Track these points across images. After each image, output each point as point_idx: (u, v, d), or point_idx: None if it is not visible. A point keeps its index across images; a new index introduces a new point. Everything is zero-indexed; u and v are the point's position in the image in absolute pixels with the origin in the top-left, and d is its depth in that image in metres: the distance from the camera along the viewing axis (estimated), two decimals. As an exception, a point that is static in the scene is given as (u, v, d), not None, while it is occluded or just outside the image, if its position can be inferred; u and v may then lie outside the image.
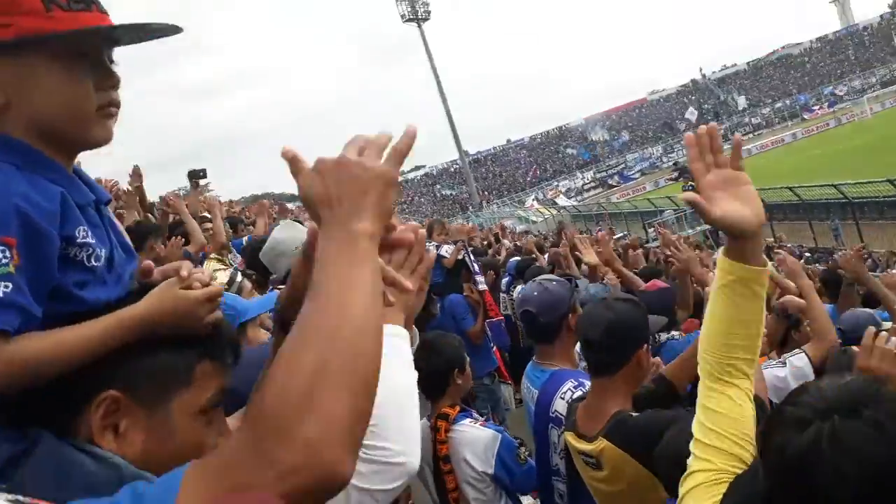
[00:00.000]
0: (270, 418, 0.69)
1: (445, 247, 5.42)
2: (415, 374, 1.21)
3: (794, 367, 2.65)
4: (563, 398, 2.44)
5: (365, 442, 1.15)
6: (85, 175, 1.10)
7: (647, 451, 1.78)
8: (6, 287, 0.89)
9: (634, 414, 2.02)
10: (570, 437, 2.17)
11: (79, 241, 0.99)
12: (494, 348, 5.35)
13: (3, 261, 0.88)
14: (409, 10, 56.44)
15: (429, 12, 57.43)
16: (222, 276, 2.68)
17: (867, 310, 3.77)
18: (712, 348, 1.36)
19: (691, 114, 64.75)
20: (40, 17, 0.94)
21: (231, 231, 6.16)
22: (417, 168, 74.10)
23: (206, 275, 1.09)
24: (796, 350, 2.79)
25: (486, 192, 62.31)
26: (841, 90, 62.38)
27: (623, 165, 61.40)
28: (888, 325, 3.17)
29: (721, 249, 1.36)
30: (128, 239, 1.18)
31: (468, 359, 2.91)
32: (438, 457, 2.68)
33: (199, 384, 0.99)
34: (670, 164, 48.03)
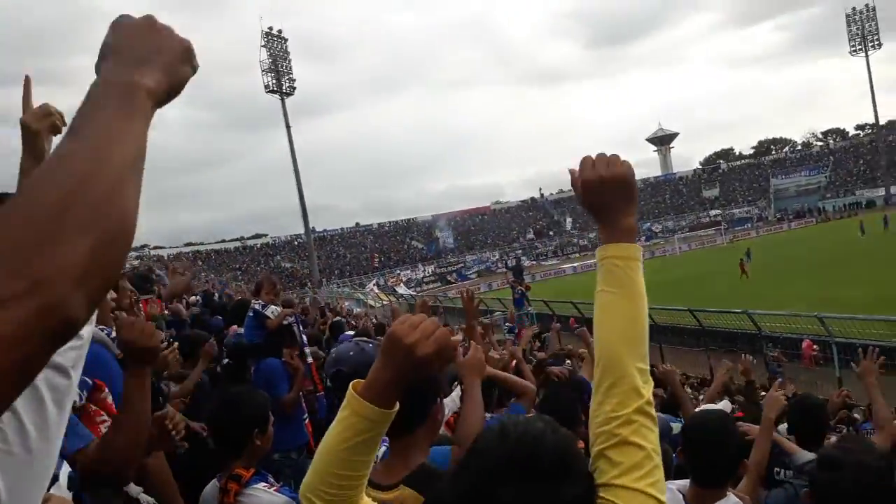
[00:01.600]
0: (5, 239, 0.62)
1: (272, 307, 5.20)
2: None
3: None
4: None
5: None
6: None
7: None
8: None
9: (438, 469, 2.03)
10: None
11: None
12: (307, 421, 5.10)
13: None
14: (274, 82, 56.47)
15: (293, 87, 57.79)
16: None
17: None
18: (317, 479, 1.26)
19: (528, 234, 70.27)
20: None
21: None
22: (258, 236, 72.07)
23: None
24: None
25: (327, 271, 61.68)
26: (657, 227, 70.78)
27: (462, 265, 64.15)
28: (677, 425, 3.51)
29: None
30: None
31: (272, 419, 2.74)
32: (224, 521, 2.43)
33: None
34: (503, 269, 50.89)
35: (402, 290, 48.56)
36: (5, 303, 0.59)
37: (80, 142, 0.71)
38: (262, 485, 2.50)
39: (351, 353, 2.67)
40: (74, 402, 2.10)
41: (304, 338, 5.14)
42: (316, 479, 1.22)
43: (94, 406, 2.18)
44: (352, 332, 7.44)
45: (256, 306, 5.18)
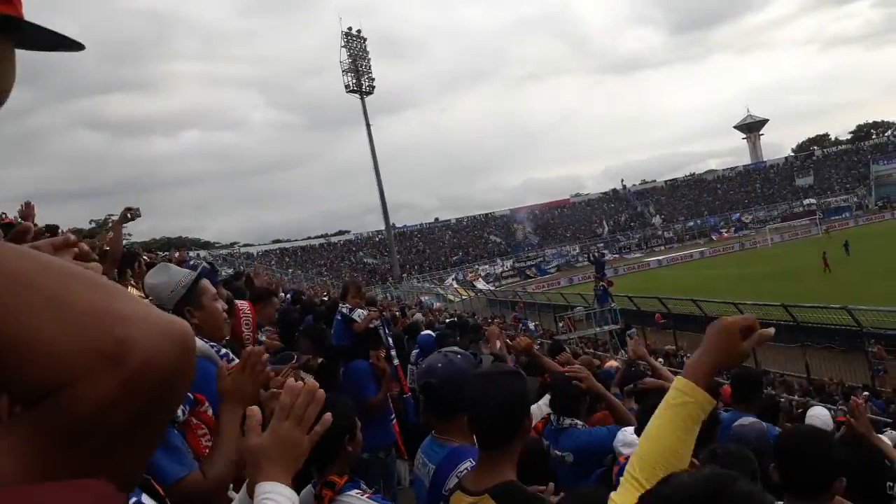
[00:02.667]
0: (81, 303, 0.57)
1: (359, 311, 5.29)
2: None
3: None
4: (458, 476, 2.34)
5: None
6: None
7: None
8: None
9: (525, 488, 2.04)
10: (457, 495, 2.13)
11: None
12: (394, 422, 5.17)
13: None
14: (354, 81, 57.68)
15: (373, 87, 58.86)
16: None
17: None
18: (645, 465, 1.33)
19: (602, 228, 68.84)
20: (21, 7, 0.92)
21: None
22: (342, 233, 73.86)
23: None
24: None
25: (407, 266, 62.53)
26: (746, 218, 67.71)
27: (541, 259, 63.44)
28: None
29: (685, 372, 1.41)
30: None
31: (359, 425, 2.78)
32: (320, 528, 2.48)
33: None
34: (585, 262, 49.98)
35: (480, 284, 48.60)
36: (107, 363, 0.56)
37: None
38: (355, 492, 2.54)
39: (440, 366, 2.67)
40: (177, 417, 2.19)
41: (390, 340, 5.21)
42: (649, 461, 1.33)
43: (196, 419, 2.26)
44: (429, 332, 7.49)
45: (344, 310, 5.29)
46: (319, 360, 3.60)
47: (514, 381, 2.13)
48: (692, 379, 1.35)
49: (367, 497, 2.54)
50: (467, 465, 2.40)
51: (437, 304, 37.13)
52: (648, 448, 1.36)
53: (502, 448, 2.06)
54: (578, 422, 3.60)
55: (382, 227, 64.51)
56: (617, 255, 59.92)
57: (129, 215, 4.28)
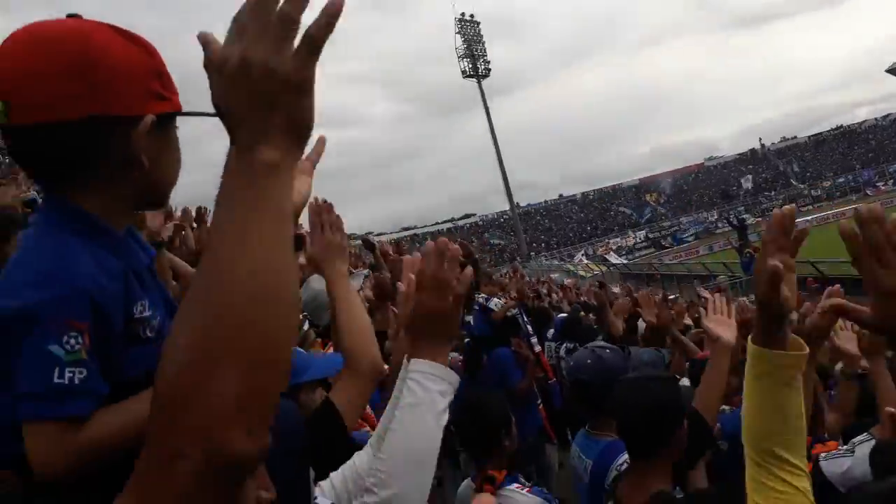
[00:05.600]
0: (156, 410, 0.62)
1: (494, 300, 5.36)
2: (443, 422, 1.18)
3: (861, 457, 2.44)
4: (618, 470, 2.33)
5: (370, 488, 1.12)
6: (137, 233, 1.12)
7: None
8: (80, 373, 0.89)
9: (679, 497, 1.98)
10: None
11: (136, 316, 1.01)
12: (540, 406, 5.20)
13: (76, 346, 0.88)
14: (470, 66, 57.81)
15: (489, 69, 58.72)
16: None
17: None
18: (754, 442, 1.27)
19: (747, 180, 63.87)
20: (176, 97, 1.04)
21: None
22: (468, 216, 74.67)
23: None
24: (865, 436, 2.59)
25: (534, 245, 62.13)
26: (897, 171, 60.60)
27: (676, 228, 60.49)
28: None
29: (750, 337, 1.26)
30: (170, 294, 1.18)
31: (514, 419, 2.82)
32: (483, 521, 2.56)
33: None
34: (725, 228, 47.09)
35: (613, 258, 47.21)
36: (173, 461, 0.60)
37: (206, 258, 0.65)
38: (515, 486, 2.59)
39: (589, 362, 2.66)
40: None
41: (529, 328, 5.22)
42: (777, 432, 1.24)
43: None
44: (564, 315, 7.40)
45: (480, 300, 5.37)
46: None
47: (665, 387, 2.07)
48: (758, 342, 1.20)
49: (527, 492, 2.59)
50: (625, 458, 2.38)
51: (567, 281, 36.59)
52: (749, 423, 1.28)
53: (653, 457, 2.01)
54: (725, 406, 3.43)
55: (507, 208, 64.46)
56: (760, 218, 55.84)
57: None
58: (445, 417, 1.20)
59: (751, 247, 24.22)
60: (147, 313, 1.03)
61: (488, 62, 58.82)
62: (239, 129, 0.65)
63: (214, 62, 0.64)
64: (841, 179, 62.54)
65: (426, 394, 1.17)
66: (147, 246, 1.12)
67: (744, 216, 44.32)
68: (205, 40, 0.66)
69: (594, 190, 74.23)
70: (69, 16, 0.99)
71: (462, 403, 3.14)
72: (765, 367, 1.19)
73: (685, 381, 3.63)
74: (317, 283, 2.95)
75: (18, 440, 0.89)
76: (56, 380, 0.87)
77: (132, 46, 0.98)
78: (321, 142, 1.35)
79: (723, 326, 2.42)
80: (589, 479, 2.51)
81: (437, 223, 76.70)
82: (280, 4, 0.62)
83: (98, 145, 0.94)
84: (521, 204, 70.20)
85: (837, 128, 74.14)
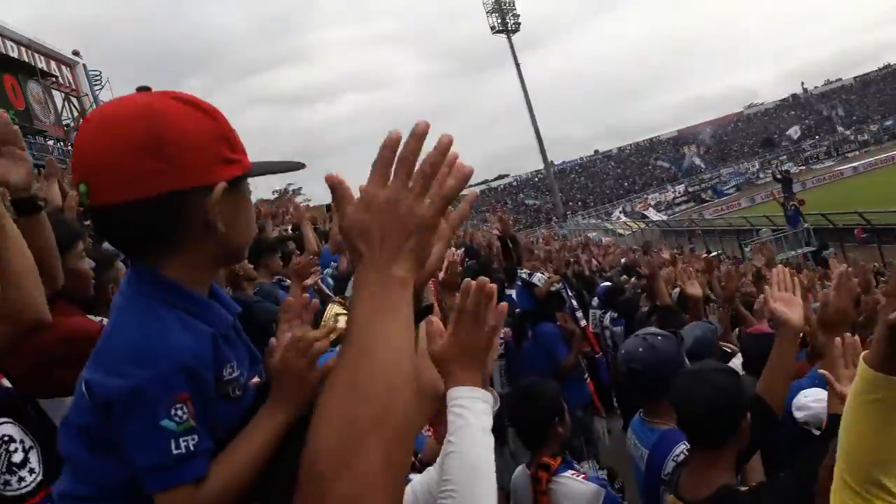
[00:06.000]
0: (309, 481, 0.74)
1: (538, 275, 5.36)
2: (492, 442, 1.22)
3: None
4: (675, 461, 2.35)
5: (443, 499, 1.19)
6: (220, 292, 1.16)
7: None
8: (193, 439, 0.97)
9: (742, 489, 1.94)
10: (673, 501, 2.11)
11: (226, 378, 1.07)
12: (588, 380, 5.23)
13: (185, 417, 0.96)
14: (499, 21, 56.61)
15: (518, 24, 57.40)
16: (343, 322, 2.72)
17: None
18: (855, 468, 1.22)
19: (795, 132, 61.70)
20: (245, 157, 1.07)
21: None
22: (501, 177, 74.11)
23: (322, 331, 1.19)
24: None
25: (570, 203, 61.47)
26: None
27: (717, 180, 59.02)
28: None
29: (862, 355, 1.21)
30: (251, 346, 1.22)
31: (566, 407, 2.85)
32: (540, 507, 2.63)
33: None
34: (767, 178, 45.73)
35: (651, 214, 46.44)
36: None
37: (350, 353, 0.78)
38: (570, 472, 2.64)
39: (641, 350, 2.65)
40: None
41: (574, 302, 5.23)
42: (886, 461, 1.20)
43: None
44: (607, 284, 7.36)
45: (523, 275, 5.38)
46: None
47: (727, 379, 2.05)
48: (877, 367, 1.15)
49: (583, 478, 2.64)
50: (682, 447, 2.39)
51: (605, 240, 36.20)
52: (853, 447, 1.22)
53: (716, 449, 2.00)
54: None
55: (541, 167, 63.69)
56: (803, 167, 54.00)
57: None
58: (490, 433, 1.26)
59: (795, 199, 23.55)
60: (235, 374, 1.08)
61: (518, 16, 57.50)
62: (379, 249, 0.81)
63: (362, 196, 0.81)
64: (889, 122, 59.83)
65: (472, 413, 1.23)
66: (230, 303, 1.16)
67: (787, 167, 42.97)
68: (336, 181, 0.83)
69: (631, 144, 72.79)
70: (139, 89, 1.02)
71: (516, 391, 3.19)
72: (882, 393, 1.15)
73: (738, 359, 3.58)
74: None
75: (127, 497, 0.99)
76: (174, 451, 0.95)
77: (198, 114, 1.01)
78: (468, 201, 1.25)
79: (790, 306, 2.26)
80: (645, 468, 2.54)
81: (470, 185, 76.21)
82: (422, 160, 0.82)
83: (176, 217, 0.99)
84: (556, 162, 69.23)
85: (885, 67, 70.61)
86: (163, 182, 0.95)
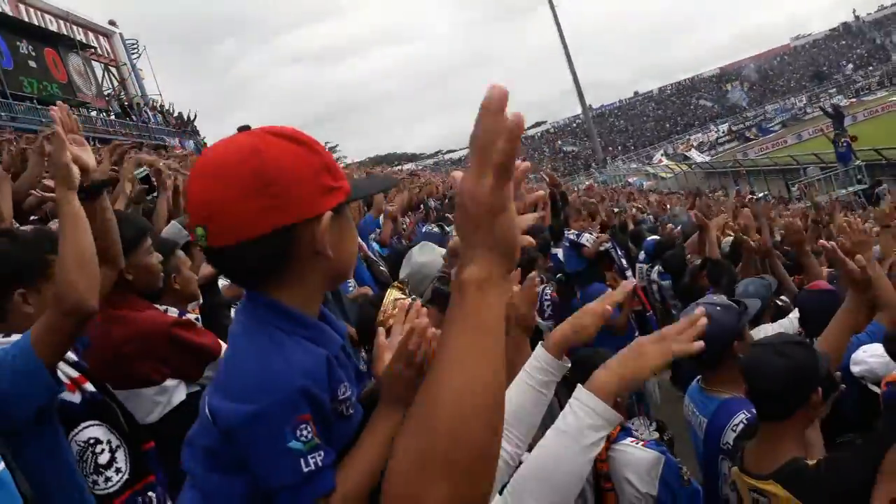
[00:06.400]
0: (385, 499, 0.76)
1: (586, 235, 5.30)
2: (590, 456, 1.27)
3: None
4: (734, 430, 2.36)
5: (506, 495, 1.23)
6: (328, 314, 1.19)
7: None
8: (320, 456, 1.04)
9: (810, 462, 1.93)
10: (738, 474, 2.13)
11: (340, 398, 1.12)
12: (638, 336, 5.23)
13: (309, 436, 1.03)
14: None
15: (552, -38, 55.41)
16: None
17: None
18: None
19: (848, 69, 58.84)
20: (345, 182, 1.10)
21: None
22: (538, 124, 72.92)
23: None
24: None
25: (610, 148, 60.25)
26: None
27: (762, 117, 56.83)
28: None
29: None
30: (357, 364, 1.28)
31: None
32: (599, 474, 2.69)
33: None
34: (815, 113, 43.81)
35: (694, 155, 45.19)
36: None
37: (427, 378, 0.77)
38: (629, 440, 2.68)
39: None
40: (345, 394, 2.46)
41: (623, 261, 5.19)
42: None
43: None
44: (655, 238, 7.27)
45: (571, 236, 5.34)
46: None
47: (802, 351, 2.03)
48: None
49: (642, 445, 2.68)
50: (741, 417, 2.40)
51: (646, 184, 35.47)
52: None
53: (785, 420, 1.99)
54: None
55: (579, 111, 62.43)
56: (854, 99, 51.49)
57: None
58: (595, 452, 1.28)
59: (847, 135, 22.60)
60: (347, 393, 1.13)
61: (552, -44, 55.50)
62: (462, 253, 0.76)
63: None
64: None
65: (577, 423, 1.25)
66: (337, 323, 1.20)
67: (837, 100, 41.08)
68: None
69: (671, 84, 70.66)
70: (240, 129, 1.06)
71: (573, 360, 3.21)
72: None
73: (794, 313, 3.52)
74: (420, 254, 3.02)
75: None
76: (305, 469, 1.02)
77: (299, 148, 1.04)
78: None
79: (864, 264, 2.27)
80: (704, 436, 2.56)
81: (507, 134, 75.19)
82: (493, 147, 0.72)
83: (287, 249, 1.04)
84: (594, 106, 67.79)
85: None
86: (272, 219, 1.00)
